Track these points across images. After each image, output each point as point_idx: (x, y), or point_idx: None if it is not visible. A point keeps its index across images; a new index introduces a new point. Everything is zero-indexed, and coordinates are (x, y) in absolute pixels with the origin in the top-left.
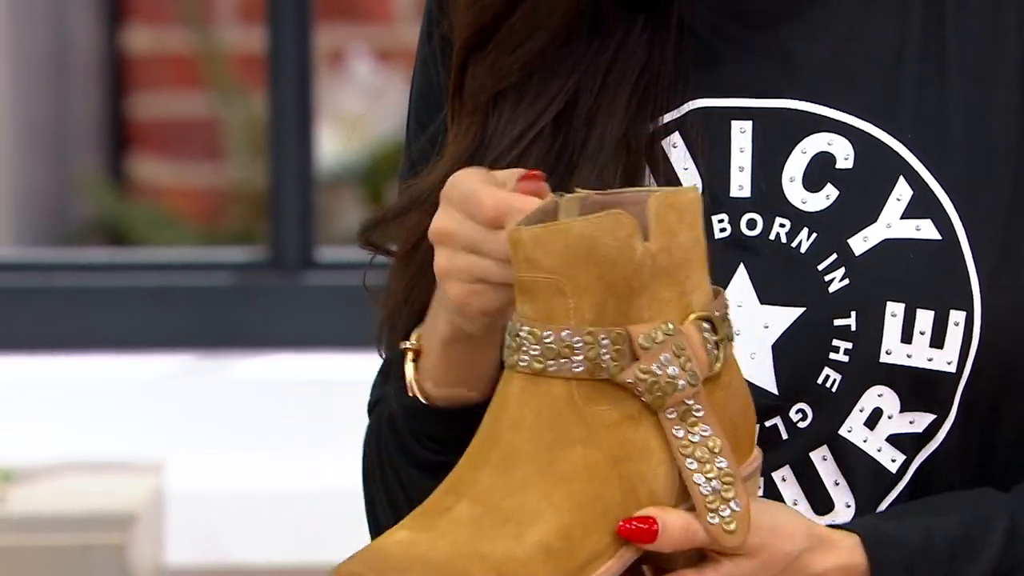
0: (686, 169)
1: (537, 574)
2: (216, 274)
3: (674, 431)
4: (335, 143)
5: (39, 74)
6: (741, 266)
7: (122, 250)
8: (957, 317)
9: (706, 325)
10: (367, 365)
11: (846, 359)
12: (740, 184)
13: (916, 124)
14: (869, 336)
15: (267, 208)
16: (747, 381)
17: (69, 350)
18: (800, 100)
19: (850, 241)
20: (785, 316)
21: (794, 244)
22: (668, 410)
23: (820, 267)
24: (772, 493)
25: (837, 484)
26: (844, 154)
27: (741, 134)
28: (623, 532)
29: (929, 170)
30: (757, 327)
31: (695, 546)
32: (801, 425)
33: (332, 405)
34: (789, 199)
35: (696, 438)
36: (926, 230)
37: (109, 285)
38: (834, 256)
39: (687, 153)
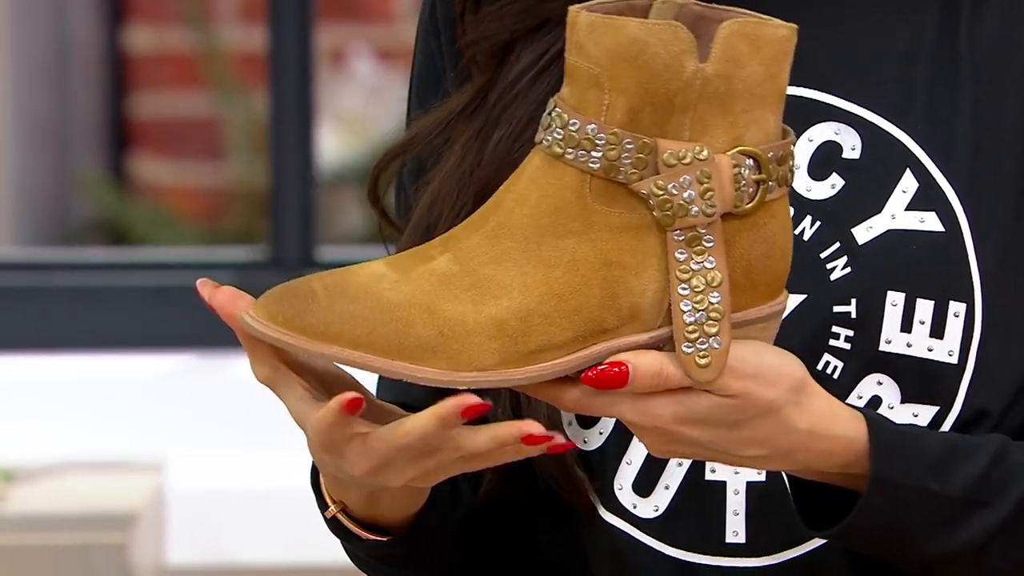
0: None
1: (479, 345)
2: (216, 273)
3: (677, 254)
4: (336, 142)
5: (40, 73)
6: None
7: (122, 249)
8: (957, 308)
9: (749, 162)
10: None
11: (847, 346)
12: None
13: (925, 119)
14: (869, 324)
15: (268, 207)
16: None
17: (70, 349)
18: (809, 88)
19: (854, 231)
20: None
21: (796, 231)
22: (675, 231)
23: (822, 255)
24: (776, 478)
25: None
26: (851, 144)
27: None
28: (587, 380)
29: (936, 164)
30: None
31: (668, 388)
32: None
33: None
34: (794, 187)
35: (697, 266)
36: (930, 222)
37: (109, 284)
38: (837, 244)
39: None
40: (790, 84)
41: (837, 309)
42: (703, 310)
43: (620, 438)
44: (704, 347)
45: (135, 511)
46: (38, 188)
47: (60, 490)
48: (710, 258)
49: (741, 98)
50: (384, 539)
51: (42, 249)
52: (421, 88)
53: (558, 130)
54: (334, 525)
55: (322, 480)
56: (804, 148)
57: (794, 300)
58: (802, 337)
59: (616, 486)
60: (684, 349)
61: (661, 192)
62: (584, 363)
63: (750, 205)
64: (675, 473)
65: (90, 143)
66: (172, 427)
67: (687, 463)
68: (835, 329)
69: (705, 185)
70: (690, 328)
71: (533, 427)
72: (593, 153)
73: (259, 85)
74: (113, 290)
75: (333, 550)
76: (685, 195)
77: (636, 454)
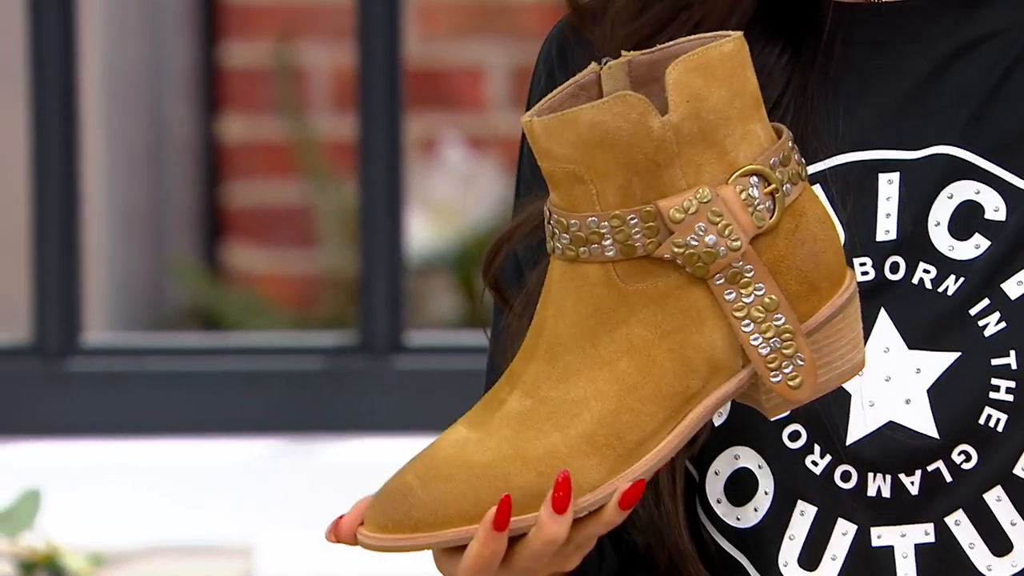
0: None
1: (582, 467)
2: (307, 358)
3: (725, 296)
4: (427, 229)
5: (136, 160)
6: (883, 311)
7: (213, 334)
8: None
9: (753, 180)
10: None
11: (1010, 397)
12: (887, 229)
13: None
14: None
15: (357, 293)
16: (905, 427)
17: (162, 433)
18: (949, 146)
19: (1003, 286)
20: (938, 361)
21: (940, 289)
22: (714, 276)
23: (972, 312)
24: (946, 537)
25: (1014, 524)
26: (994, 206)
27: (888, 184)
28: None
29: None
30: (908, 372)
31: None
32: (966, 467)
33: None
34: (935, 244)
35: (749, 299)
36: None
37: (201, 369)
38: (987, 301)
39: (827, 202)
40: (932, 145)
41: (996, 362)
42: (774, 336)
43: (779, 514)
44: (789, 369)
45: None
46: (133, 274)
47: (150, 574)
48: (758, 285)
49: (718, 127)
50: None
51: (136, 334)
52: (533, 162)
53: (563, 235)
54: None
55: None
56: (944, 205)
57: (948, 358)
58: (962, 394)
59: (781, 563)
60: (773, 379)
61: (683, 249)
62: (688, 432)
63: (773, 219)
64: (840, 543)
65: (184, 230)
66: (262, 511)
67: (851, 532)
68: (995, 382)
69: (720, 223)
70: (769, 359)
71: (623, 484)
72: (604, 243)
73: (351, 173)
74: (205, 375)
75: None
76: (707, 241)
77: (798, 528)
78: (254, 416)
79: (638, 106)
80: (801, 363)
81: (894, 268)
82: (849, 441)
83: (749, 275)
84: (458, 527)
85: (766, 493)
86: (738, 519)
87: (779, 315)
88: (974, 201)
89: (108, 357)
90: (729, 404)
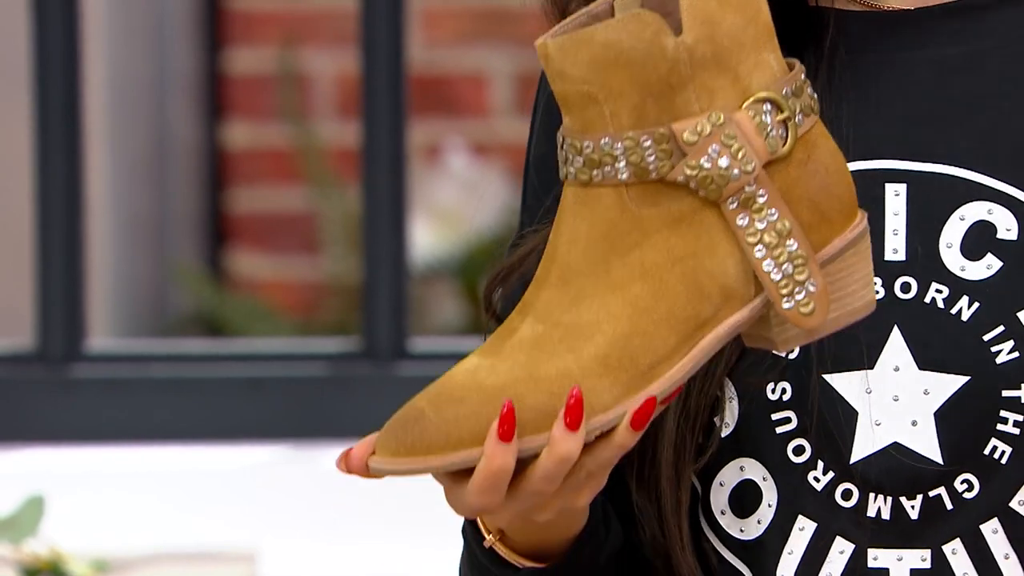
0: None
1: (595, 388)
2: (310, 364)
3: (738, 220)
4: (431, 236)
5: (139, 168)
6: (895, 328)
7: (217, 341)
8: None
9: (767, 107)
10: None
11: (1016, 431)
12: (895, 247)
13: None
14: None
15: (361, 300)
16: (910, 450)
17: (165, 440)
18: (957, 167)
19: (1020, 315)
20: (947, 383)
21: (953, 311)
22: (727, 200)
23: (986, 337)
24: (942, 565)
25: (1007, 557)
26: (1006, 225)
27: (895, 197)
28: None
29: None
30: (916, 392)
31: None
32: (967, 496)
33: (425, 495)
34: (947, 265)
35: (762, 224)
36: None
37: (205, 376)
38: (1002, 328)
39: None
40: (938, 162)
41: (1006, 393)
42: (787, 260)
43: (780, 527)
44: (802, 295)
45: None
46: (137, 280)
47: None
48: (771, 210)
49: (732, 52)
50: (541, 566)
51: (139, 340)
52: (540, 173)
53: (576, 159)
54: (490, 555)
55: None
56: (956, 227)
57: (957, 381)
58: (968, 419)
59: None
60: (785, 305)
61: (696, 171)
62: (700, 358)
63: (786, 147)
64: (837, 561)
65: (188, 236)
66: (265, 518)
67: (848, 551)
68: (1003, 414)
69: (734, 146)
70: (782, 284)
71: (633, 404)
72: (618, 165)
73: (354, 180)
74: (208, 381)
75: None
76: (720, 163)
77: (797, 543)
78: (258, 422)
79: (652, 24)
80: (813, 289)
81: (905, 288)
82: (853, 459)
83: (762, 200)
84: (470, 448)
85: (769, 506)
86: (742, 531)
87: (792, 240)
88: (986, 221)
89: (112, 363)
90: (736, 414)
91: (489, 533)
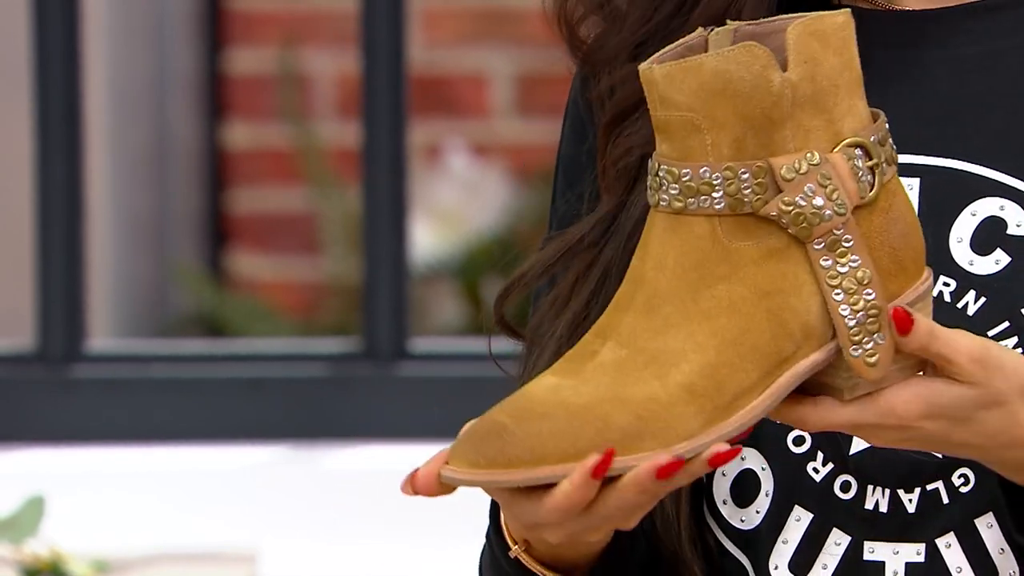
0: None
1: (681, 415)
2: (311, 365)
3: (821, 262)
4: (431, 236)
5: (139, 168)
6: None
7: (217, 341)
8: None
9: (857, 152)
10: None
11: None
12: None
13: None
14: None
15: (361, 300)
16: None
17: (165, 440)
18: (970, 162)
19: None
20: None
21: (959, 305)
22: (815, 241)
23: (990, 332)
24: (936, 559)
25: (1002, 551)
26: (1016, 221)
27: (908, 191)
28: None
29: None
30: None
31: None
32: (963, 490)
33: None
34: (956, 260)
35: (844, 269)
36: None
37: (205, 376)
38: (1006, 324)
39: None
40: (951, 157)
41: None
42: (862, 310)
43: (776, 516)
44: (870, 346)
45: None
46: (137, 281)
47: None
48: (854, 257)
49: (829, 94)
50: None
51: (140, 341)
52: (569, 169)
53: (672, 186)
54: (515, 564)
55: (503, 518)
56: (967, 222)
57: None
58: None
59: (772, 565)
60: (852, 353)
61: (791, 208)
62: (778, 395)
63: (873, 192)
64: (833, 552)
65: (188, 237)
66: (265, 518)
67: (845, 543)
68: None
69: (829, 187)
70: (854, 331)
71: (661, 457)
72: (714, 195)
73: (355, 180)
74: (209, 381)
75: None
76: (815, 203)
77: (793, 533)
78: (258, 423)
79: (762, 58)
80: (881, 343)
81: None
82: (852, 451)
83: (847, 245)
84: (553, 465)
85: (767, 495)
86: (742, 520)
87: (870, 290)
88: (998, 217)
89: (112, 363)
90: None
91: (515, 543)
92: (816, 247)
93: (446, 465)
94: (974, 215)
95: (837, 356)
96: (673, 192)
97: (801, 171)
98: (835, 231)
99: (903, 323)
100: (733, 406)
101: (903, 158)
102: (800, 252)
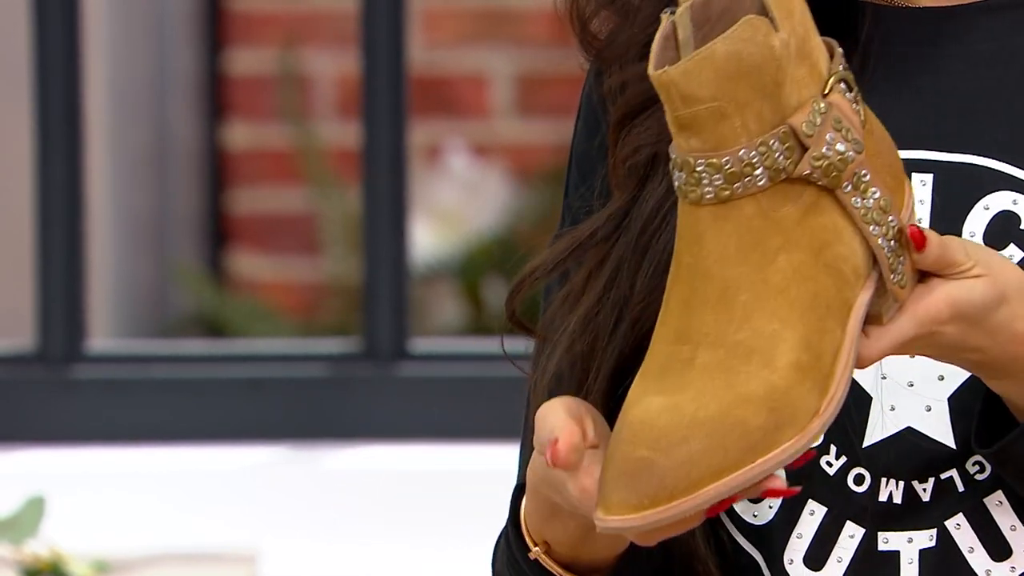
0: None
1: (800, 395)
2: (311, 365)
3: (853, 202)
4: (431, 237)
5: (140, 168)
6: None
7: (217, 341)
8: None
9: (842, 85)
10: (460, 456)
11: None
12: None
13: None
14: None
15: (361, 300)
16: (923, 434)
17: (166, 441)
18: (984, 157)
19: None
20: (961, 369)
21: None
22: (844, 185)
23: None
24: (946, 540)
25: (1014, 529)
26: None
27: (922, 187)
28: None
29: None
30: (931, 378)
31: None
32: (979, 477)
33: (425, 496)
34: None
35: (870, 203)
36: None
37: (206, 376)
38: None
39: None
40: (966, 152)
41: None
42: (892, 237)
43: (790, 511)
44: (900, 268)
45: None
46: (137, 281)
47: None
48: (873, 189)
49: (806, 39)
50: None
51: (140, 341)
52: (582, 163)
53: (715, 177)
54: (535, 567)
55: (524, 520)
56: (980, 216)
57: None
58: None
59: (787, 560)
60: (893, 279)
61: (820, 161)
62: (854, 341)
63: (863, 119)
64: (847, 545)
65: (188, 237)
66: (266, 518)
67: (859, 535)
68: None
69: (843, 129)
70: (891, 259)
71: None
72: (756, 173)
73: (355, 180)
74: (209, 382)
75: None
76: (838, 148)
77: (807, 527)
78: (258, 423)
79: (762, 28)
80: (904, 261)
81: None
82: (866, 444)
83: (866, 179)
84: (710, 484)
85: None
86: (755, 515)
87: (892, 216)
88: (1011, 211)
89: (112, 364)
90: None
91: (535, 544)
92: (845, 191)
93: (608, 518)
94: (987, 209)
95: (878, 285)
96: (718, 183)
97: (817, 123)
98: (856, 170)
99: (919, 241)
100: (832, 369)
101: (920, 154)
102: (828, 199)
